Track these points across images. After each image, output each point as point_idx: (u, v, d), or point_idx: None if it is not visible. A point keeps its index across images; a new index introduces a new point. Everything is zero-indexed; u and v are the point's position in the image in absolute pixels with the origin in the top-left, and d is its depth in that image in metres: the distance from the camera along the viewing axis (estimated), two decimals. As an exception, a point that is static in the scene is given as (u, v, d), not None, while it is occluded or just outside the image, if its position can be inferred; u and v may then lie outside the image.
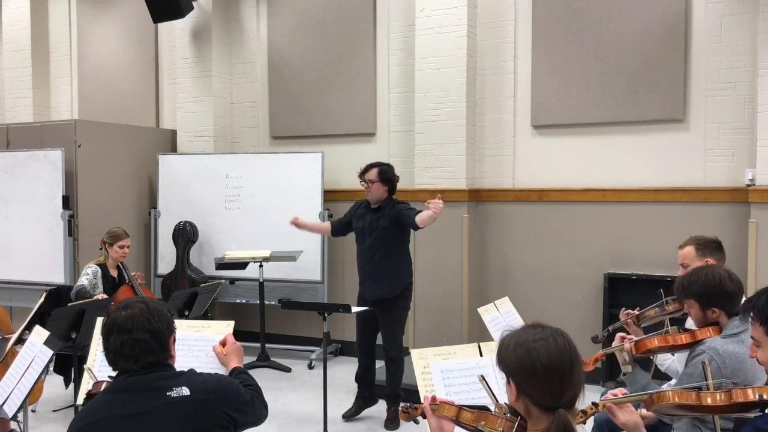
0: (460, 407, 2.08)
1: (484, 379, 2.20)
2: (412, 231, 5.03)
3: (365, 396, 5.17)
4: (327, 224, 5.32)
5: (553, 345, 1.77)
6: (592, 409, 2.24)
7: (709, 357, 2.62)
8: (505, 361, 1.83)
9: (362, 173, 5.00)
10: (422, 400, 2.24)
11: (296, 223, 5.16)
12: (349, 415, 5.07)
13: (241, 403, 2.30)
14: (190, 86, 7.41)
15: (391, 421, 4.91)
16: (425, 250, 6.29)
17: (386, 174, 4.95)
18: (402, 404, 2.34)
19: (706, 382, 2.25)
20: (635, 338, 3.01)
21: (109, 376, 2.52)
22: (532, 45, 6.05)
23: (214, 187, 6.97)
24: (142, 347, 2.18)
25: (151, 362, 2.20)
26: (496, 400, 2.07)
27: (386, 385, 5.05)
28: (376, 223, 4.95)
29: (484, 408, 2.07)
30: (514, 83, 6.14)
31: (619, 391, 2.32)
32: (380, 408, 5.11)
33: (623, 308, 3.56)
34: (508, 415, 1.94)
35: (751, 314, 2.15)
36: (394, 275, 4.95)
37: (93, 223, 6.49)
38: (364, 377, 5.16)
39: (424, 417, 2.20)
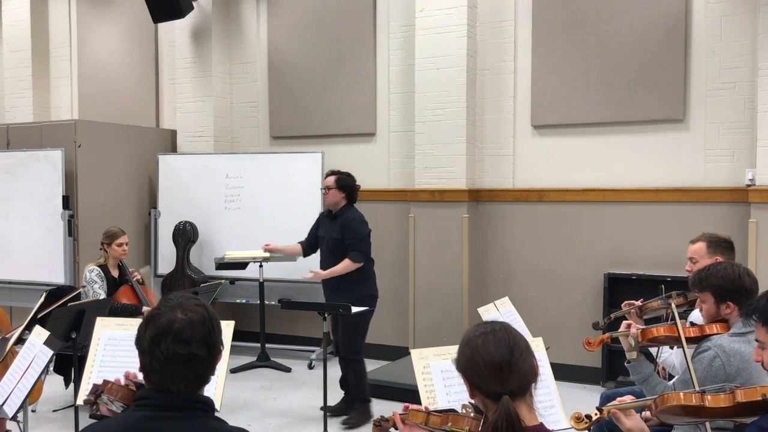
0: (429, 412, 2.09)
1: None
2: (371, 244, 5.07)
3: (350, 399, 5.13)
4: (298, 246, 5.33)
5: (491, 338, 1.87)
6: (596, 414, 2.23)
7: (714, 354, 2.62)
8: (457, 362, 1.94)
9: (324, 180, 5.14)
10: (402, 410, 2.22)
11: (268, 249, 5.45)
12: (336, 410, 5.02)
13: None
14: (190, 86, 7.41)
15: (350, 419, 4.93)
16: (425, 250, 6.29)
17: (343, 182, 5.03)
18: (374, 418, 2.35)
19: (713, 386, 2.23)
20: (642, 326, 3.00)
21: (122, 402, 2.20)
22: (532, 45, 6.05)
23: (214, 187, 6.96)
24: (194, 366, 1.76)
25: (190, 392, 1.77)
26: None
27: (350, 387, 5.03)
28: (329, 233, 5.03)
29: (452, 411, 2.08)
30: (514, 83, 6.14)
31: (628, 397, 2.32)
32: (380, 408, 5.11)
33: (625, 301, 3.56)
34: (473, 413, 1.97)
35: (755, 317, 2.15)
36: (349, 289, 4.91)
37: (93, 223, 6.48)
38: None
39: (397, 428, 2.20)
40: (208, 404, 1.81)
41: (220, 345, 1.83)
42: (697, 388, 2.22)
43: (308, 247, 5.30)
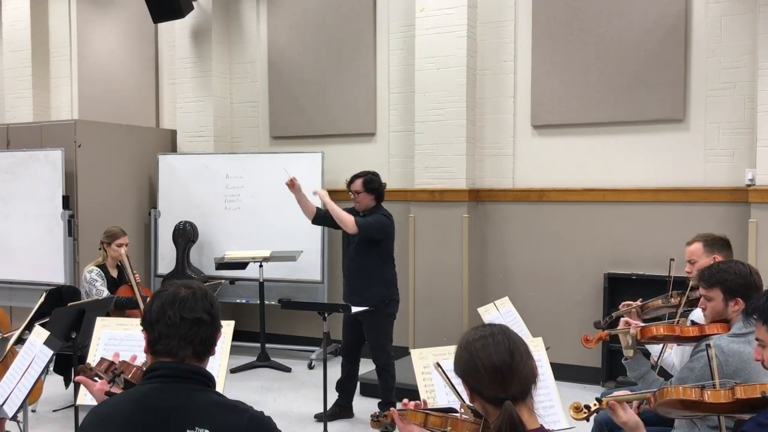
0: (427, 413, 2.08)
1: (439, 365, 2.22)
2: (393, 243, 5.00)
3: (343, 405, 5.08)
4: (314, 208, 5.05)
5: (491, 342, 1.84)
6: (595, 405, 2.26)
7: (712, 354, 2.61)
8: (455, 366, 1.91)
9: (348, 184, 4.95)
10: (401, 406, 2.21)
11: (293, 183, 4.96)
12: (322, 417, 4.89)
13: None
14: (190, 86, 7.41)
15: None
16: (425, 250, 6.29)
17: (371, 183, 4.88)
18: (372, 413, 2.33)
19: (712, 381, 2.24)
20: (642, 324, 3.01)
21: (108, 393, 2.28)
22: (532, 45, 6.05)
23: (214, 187, 6.96)
24: (200, 330, 1.89)
25: (200, 353, 1.89)
26: (460, 397, 2.09)
27: (379, 392, 5.01)
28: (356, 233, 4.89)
29: (451, 410, 2.08)
30: (514, 83, 6.14)
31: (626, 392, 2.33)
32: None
33: (623, 302, 3.57)
34: (472, 417, 1.96)
35: (755, 316, 2.16)
36: (371, 286, 4.87)
37: (93, 223, 6.48)
38: (346, 385, 5.08)
39: (395, 425, 2.18)
40: (210, 378, 1.93)
41: (220, 322, 1.96)
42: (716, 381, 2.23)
43: (321, 216, 5.02)
